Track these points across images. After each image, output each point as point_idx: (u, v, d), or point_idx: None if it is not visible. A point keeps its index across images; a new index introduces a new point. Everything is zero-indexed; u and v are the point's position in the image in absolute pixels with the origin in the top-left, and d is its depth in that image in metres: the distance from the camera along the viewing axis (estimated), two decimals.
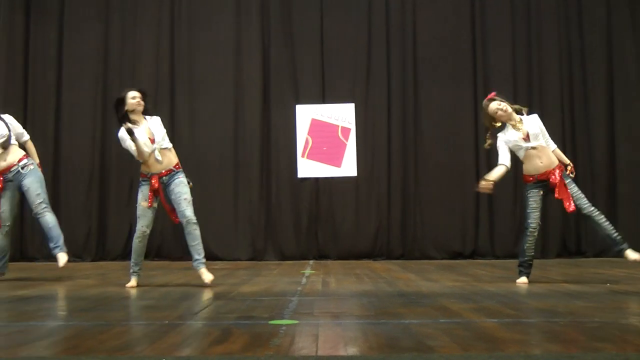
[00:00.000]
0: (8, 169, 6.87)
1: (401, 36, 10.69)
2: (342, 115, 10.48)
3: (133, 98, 6.19)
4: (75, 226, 10.34)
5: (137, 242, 6.23)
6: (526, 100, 10.52)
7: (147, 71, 10.67)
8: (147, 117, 6.32)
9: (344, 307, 4.65)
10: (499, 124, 6.45)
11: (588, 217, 6.25)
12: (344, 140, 10.46)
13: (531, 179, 6.36)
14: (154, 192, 6.17)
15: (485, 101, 6.51)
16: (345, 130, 10.47)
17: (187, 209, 6.18)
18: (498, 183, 10.42)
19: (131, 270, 6.27)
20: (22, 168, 6.90)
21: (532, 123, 6.38)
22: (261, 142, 10.55)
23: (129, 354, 2.99)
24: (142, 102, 6.24)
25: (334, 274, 7.58)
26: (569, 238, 10.42)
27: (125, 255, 10.30)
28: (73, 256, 10.18)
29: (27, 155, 7.03)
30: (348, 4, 10.75)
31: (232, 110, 10.65)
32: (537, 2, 10.72)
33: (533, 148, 6.32)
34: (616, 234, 6.22)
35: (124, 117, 6.17)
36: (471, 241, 10.39)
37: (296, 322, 3.93)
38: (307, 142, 10.44)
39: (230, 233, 10.40)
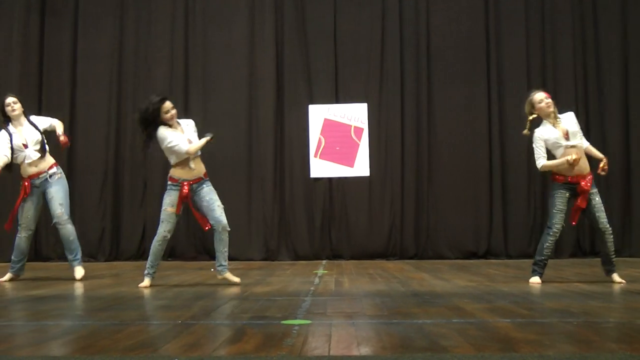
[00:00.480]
0: (37, 174, 6.95)
1: (415, 35, 10.66)
2: (355, 115, 10.47)
3: (167, 112, 6.18)
4: (89, 226, 10.38)
5: (157, 246, 6.26)
6: None
7: (161, 70, 10.70)
8: (179, 120, 6.35)
9: (357, 307, 4.65)
10: (534, 116, 6.37)
11: (601, 232, 6.23)
12: (357, 140, 10.45)
13: (561, 179, 6.27)
14: (182, 199, 6.20)
15: (533, 90, 6.47)
16: (358, 130, 10.46)
17: (222, 216, 6.24)
18: (511, 181, 10.44)
19: (146, 272, 6.29)
20: (50, 176, 6.97)
21: (570, 121, 6.35)
22: (274, 141, 10.56)
23: (142, 353, 3.01)
24: (175, 113, 6.24)
25: (347, 274, 7.57)
26: (583, 238, 10.37)
27: (139, 255, 10.36)
28: (87, 256, 10.28)
29: (57, 163, 7.09)
30: (361, 4, 10.73)
31: (246, 110, 10.67)
32: (551, 0, 10.65)
33: (572, 147, 6.26)
34: (614, 256, 6.26)
35: (153, 129, 6.16)
36: (485, 241, 10.36)
37: (309, 322, 3.93)
38: (319, 142, 10.44)
39: (244, 233, 10.41)
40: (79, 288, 6.27)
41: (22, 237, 7.01)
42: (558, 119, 6.36)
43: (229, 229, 6.29)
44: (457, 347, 3.10)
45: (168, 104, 6.19)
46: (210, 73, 10.69)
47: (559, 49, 10.59)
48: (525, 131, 6.51)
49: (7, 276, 7.01)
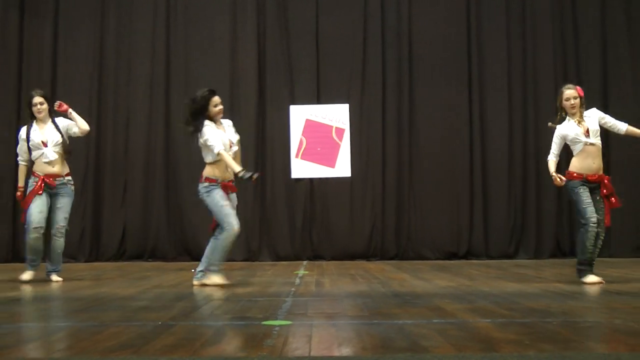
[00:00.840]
0: (54, 176, 6.90)
1: (396, 37, 10.69)
2: (337, 116, 10.48)
3: (216, 106, 6.24)
4: (70, 227, 10.29)
5: (230, 242, 6.22)
6: (521, 99, 10.58)
7: (142, 70, 10.65)
8: (222, 120, 6.38)
9: (337, 308, 4.65)
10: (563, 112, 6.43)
11: (598, 236, 6.25)
12: (338, 141, 10.46)
13: (577, 176, 6.29)
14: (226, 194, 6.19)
15: (567, 84, 6.52)
16: (340, 131, 10.47)
17: (233, 216, 6.18)
18: (492, 183, 10.51)
19: (214, 268, 6.23)
20: (65, 184, 6.98)
21: (593, 120, 6.37)
22: (256, 142, 10.54)
23: (122, 354, 2.99)
24: (222, 108, 6.32)
25: (328, 275, 7.58)
26: (563, 239, 10.45)
27: (120, 255, 10.32)
28: (67, 257, 10.19)
29: (70, 173, 7.09)
30: (344, 6, 10.74)
31: (227, 110, 10.45)
32: (531, 3, 10.73)
33: (591, 144, 6.30)
34: (594, 259, 6.29)
35: (200, 121, 6.18)
36: (465, 241, 10.40)
37: (290, 322, 3.93)
38: (301, 142, 10.44)
39: None
40: (58, 289, 6.23)
41: (33, 237, 6.82)
42: (582, 118, 6.37)
43: (239, 230, 6.28)
44: (438, 347, 3.11)
45: (217, 98, 6.26)
46: (192, 73, 10.64)
47: (539, 51, 10.66)
48: (550, 124, 6.57)
49: (28, 274, 6.89)
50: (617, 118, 6.31)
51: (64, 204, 6.97)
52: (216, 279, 6.19)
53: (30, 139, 6.89)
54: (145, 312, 4.54)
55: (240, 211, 10.28)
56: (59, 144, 6.95)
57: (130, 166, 10.48)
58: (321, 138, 10.45)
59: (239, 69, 10.67)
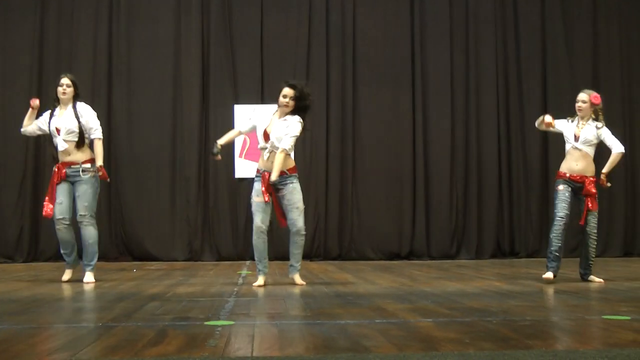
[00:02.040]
0: (69, 164, 6.65)
1: (340, 38, 10.72)
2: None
3: (284, 96, 6.17)
4: (7, 226, 10.09)
5: (256, 239, 6.17)
6: (463, 101, 10.73)
7: (84, 67, 10.41)
8: (289, 116, 6.22)
9: (280, 308, 4.65)
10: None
11: (587, 235, 6.49)
12: None
13: (561, 174, 6.59)
14: (267, 188, 6.08)
15: (585, 89, 6.73)
16: None
17: (299, 219, 6.21)
18: (434, 184, 10.62)
19: (257, 270, 6.22)
20: (83, 171, 6.65)
21: (591, 131, 6.50)
22: (199, 141, 10.45)
23: (60, 358, 2.94)
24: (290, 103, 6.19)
25: (271, 275, 7.55)
26: (503, 239, 10.62)
27: (60, 256, 10.07)
28: (3, 257, 9.98)
29: (93, 159, 6.72)
30: (288, 6, 10.73)
31: (170, 109, 10.52)
32: (475, 8, 10.87)
33: (576, 149, 6.52)
34: (592, 262, 6.55)
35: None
36: (407, 242, 10.49)
37: (232, 322, 3.92)
38: (245, 142, 10.38)
39: (167, 233, 10.28)
40: None
41: (60, 229, 6.67)
42: (586, 123, 6.54)
43: (304, 232, 6.29)
44: (380, 347, 3.13)
45: (287, 89, 6.21)
46: (135, 71, 10.49)
47: (482, 55, 10.83)
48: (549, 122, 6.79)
49: (67, 274, 6.74)
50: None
51: (82, 192, 6.64)
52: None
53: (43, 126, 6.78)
54: (85, 313, 4.47)
55: (183, 211, 10.34)
56: (72, 132, 6.65)
57: None
58: None
59: (183, 68, 10.55)
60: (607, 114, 10.60)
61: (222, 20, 10.61)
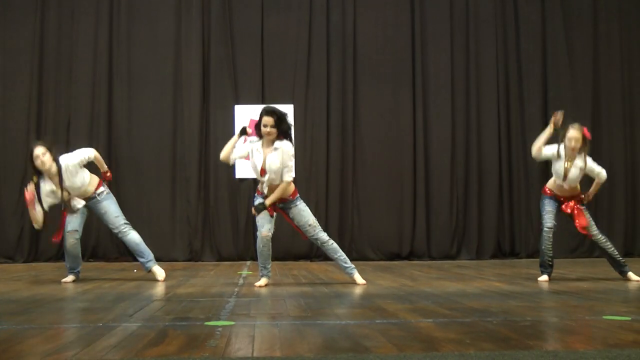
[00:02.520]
0: (87, 199, 6.66)
1: (341, 39, 10.72)
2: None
3: (265, 125, 6.11)
4: (7, 226, 10.09)
5: (262, 247, 6.22)
6: (464, 102, 10.73)
7: (84, 67, 10.43)
8: (277, 142, 6.18)
9: (280, 308, 4.65)
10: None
11: (597, 244, 6.69)
12: None
13: (549, 192, 6.73)
14: (270, 208, 6.17)
15: (574, 124, 6.66)
16: None
17: (317, 234, 6.32)
18: (435, 184, 10.62)
19: (260, 273, 6.27)
20: (99, 195, 6.65)
21: (576, 172, 6.58)
22: (199, 141, 10.46)
23: (60, 358, 2.94)
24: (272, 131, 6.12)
25: (272, 275, 7.55)
26: (504, 240, 10.63)
27: (60, 256, 10.08)
28: (4, 257, 9.98)
29: (100, 182, 6.69)
30: (289, 6, 10.73)
31: (171, 109, 10.53)
32: (475, 9, 10.88)
33: (562, 186, 6.67)
34: (619, 257, 6.68)
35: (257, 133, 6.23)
36: (408, 242, 10.50)
37: (233, 323, 3.91)
38: (245, 142, 10.34)
39: (168, 233, 10.29)
40: None
41: (70, 243, 6.72)
42: (571, 162, 6.60)
43: (326, 240, 6.34)
44: (380, 347, 3.13)
45: (266, 118, 6.17)
46: (135, 71, 10.50)
47: (482, 56, 10.83)
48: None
49: (70, 277, 6.75)
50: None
51: (107, 207, 6.65)
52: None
53: (49, 202, 6.52)
54: (86, 313, 4.47)
55: (183, 211, 10.34)
56: (79, 187, 6.53)
57: None
58: None
59: (183, 68, 10.56)
60: (607, 115, 10.77)
61: (222, 20, 10.61)
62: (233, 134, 10.29)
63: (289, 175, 6.19)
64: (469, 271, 8.09)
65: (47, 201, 6.49)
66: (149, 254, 6.81)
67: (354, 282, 6.37)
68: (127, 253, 10.16)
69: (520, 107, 10.80)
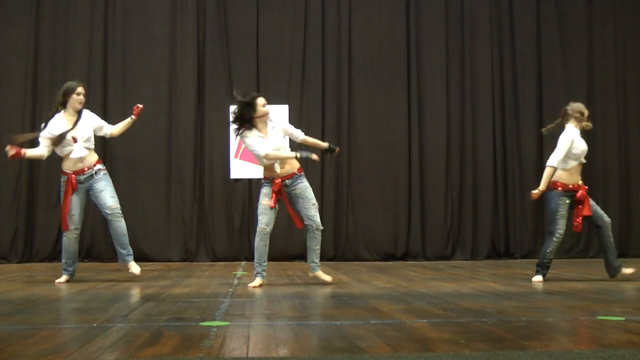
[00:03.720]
0: (82, 170, 6.70)
1: (337, 39, 10.72)
2: (276, 116, 10.43)
3: (264, 106, 6.26)
4: (1, 226, 10.06)
5: (258, 241, 6.26)
6: (459, 102, 10.74)
7: (79, 67, 10.41)
8: (269, 122, 6.37)
9: (275, 309, 4.65)
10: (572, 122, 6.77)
11: (605, 225, 6.69)
12: None
13: (562, 186, 6.63)
14: (276, 194, 6.26)
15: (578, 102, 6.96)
16: None
17: (316, 215, 6.38)
18: (430, 185, 10.64)
19: (255, 272, 6.29)
20: (96, 173, 6.73)
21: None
22: (194, 142, 10.45)
23: (55, 359, 2.93)
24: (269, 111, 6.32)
25: (266, 275, 7.55)
26: (498, 240, 10.64)
27: (54, 256, 10.08)
28: None
29: (100, 160, 6.91)
30: (284, 7, 10.73)
31: (166, 109, 10.51)
32: (470, 10, 10.89)
33: (581, 163, 6.72)
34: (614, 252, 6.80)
35: (247, 121, 6.25)
36: (403, 243, 10.50)
37: (227, 323, 3.91)
38: (240, 142, 10.35)
39: (162, 234, 10.27)
40: None
41: (70, 238, 6.72)
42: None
43: (322, 228, 6.44)
44: (375, 347, 3.13)
45: (264, 99, 6.31)
46: (130, 72, 10.48)
47: (477, 56, 10.84)
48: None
49: (63, 277, 6.73)
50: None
51: (104, 187, 6.73)
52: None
53: (54, 133, 6.64)
54: (80, 314, 4.46)
55: (178, 211, 10.33)
56: (89, 139, 6.76)
57: None
58: None
59: (178, 68, 10.55)
60: (601, 115, 10.79)
61: (217, 21, 10.60)
62: (228, 134, 10.37)
63: (299, 131, 6.56)
64: (463, 272, 8.09)
65: (52, 131, 6.63)
66: (130, 248, 6.88)
67: (316, 279, 6.45)
68: None
69: (515, 108, 10.82)
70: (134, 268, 6.81)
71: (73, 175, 6.69)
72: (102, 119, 7.22)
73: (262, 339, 3.43)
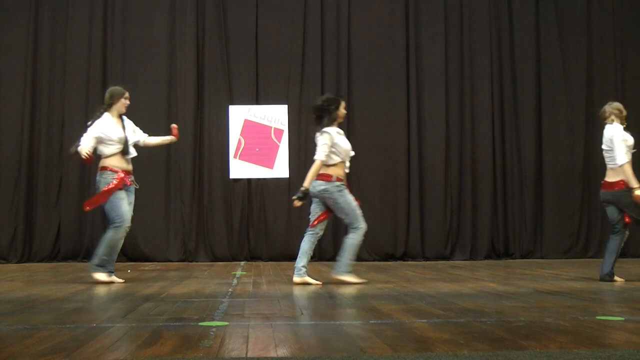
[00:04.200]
0: (129, 173, 6.88)
1: (336, 39, 10.73)
2: (275, 116, 10.46)
3: (345, 108, 6.68)
4: (1, 226, 10.06)
5: (360, 241, 6.62)
6: (458, 102, 10.75)
7: (78, 67, 10.42)
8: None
9: (274, 309, 4.65)
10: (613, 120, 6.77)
11: (626, 227, 6.65)
12: (277, 142, 10.45)
13: (623, 185, 6.48)
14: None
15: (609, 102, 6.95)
16: (278, 132, 10.46)
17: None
18: (429, 185, 10.63)
19: (347, 268, 6.50)
20: (134, 182, 6.96)
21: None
22: (194, 142, 10.45)
23: (55, 359, 2.93)
24: None
25: (266, 275, 7.57)
26: (497, 240, 10.64)
27: (54, 256, 10.10)
28: None
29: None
30: (283, 7, 10.73)
31: (165, 109, 10.51)
32: (469, 10, 10.90)
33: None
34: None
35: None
36: (402, 243, 10.50)
37: (227, 323, 3.91)
38: (239, 142, 10.39)
39: (162, 234, 10.27)
40: None
41: (122, 236, 6.75)
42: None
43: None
44: (374, 347, 3.13)
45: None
46: (129, 72, 10.48)
47: (476, 57, 10.85)
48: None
49: (104, 275, 6.65)
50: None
51: (132, 199, 6.92)
52: (350, 278, 6.48)
53: (107, 133, 6.74)
54: (80, 314, 4.46)
55: (177, 211, 10.33)
56: (132, 143, 6.95)
57: (65, 165, 10.26)
58: (260, 139, 10.42)
59: (177, 68, 10.55)
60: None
61: (217, 20, 10.61)
62: (227, 134, 10.38)
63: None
64: (463, 272, 8.09)
65: (111, 133, 6.76)
66: (105, 261, 6.73)
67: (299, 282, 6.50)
68: (120, 253, 10.15)
69: (514, 108, 10.82)
70: (99, 277, 6.63)
71: (124, 173, 6.79)
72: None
73: (261, 339, 3.43)
